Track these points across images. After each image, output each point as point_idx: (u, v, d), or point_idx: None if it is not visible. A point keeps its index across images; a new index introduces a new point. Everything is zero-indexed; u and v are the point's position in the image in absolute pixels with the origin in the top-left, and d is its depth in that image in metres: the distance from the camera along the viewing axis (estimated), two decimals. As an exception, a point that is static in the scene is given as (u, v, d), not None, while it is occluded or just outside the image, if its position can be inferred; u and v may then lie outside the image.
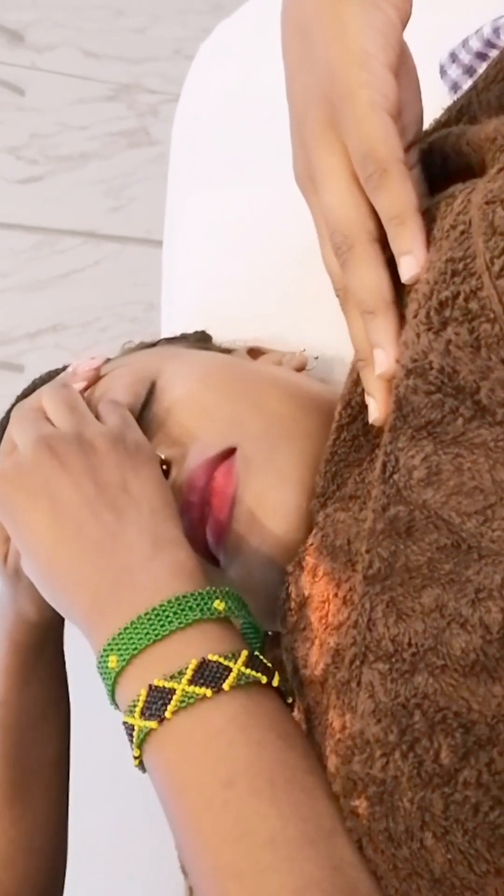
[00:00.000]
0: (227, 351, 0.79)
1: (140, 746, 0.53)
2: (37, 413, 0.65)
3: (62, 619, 0.73)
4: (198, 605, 0.54)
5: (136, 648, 0.53)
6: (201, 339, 0.83)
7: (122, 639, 0.53)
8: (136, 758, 0.54)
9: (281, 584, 0.62)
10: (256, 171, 0.92)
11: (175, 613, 0.53)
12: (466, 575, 0.51)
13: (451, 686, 0.51)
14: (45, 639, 0.73)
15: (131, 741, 0.53)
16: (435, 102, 0.70)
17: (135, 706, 0.53)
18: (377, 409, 0.57)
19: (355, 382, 0.60)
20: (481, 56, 0.78)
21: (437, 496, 0.52)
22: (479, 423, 0.51)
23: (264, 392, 0.67)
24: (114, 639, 0.54)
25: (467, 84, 0.77)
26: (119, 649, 0.54)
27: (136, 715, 0.52)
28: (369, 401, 0.58)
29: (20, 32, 1.69)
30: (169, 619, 0.53)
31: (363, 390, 0.59)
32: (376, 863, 0.53)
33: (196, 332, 0.84)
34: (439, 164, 0.63)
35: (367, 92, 0.57)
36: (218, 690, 0.52)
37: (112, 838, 1.58)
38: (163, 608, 0.53)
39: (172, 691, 0.52)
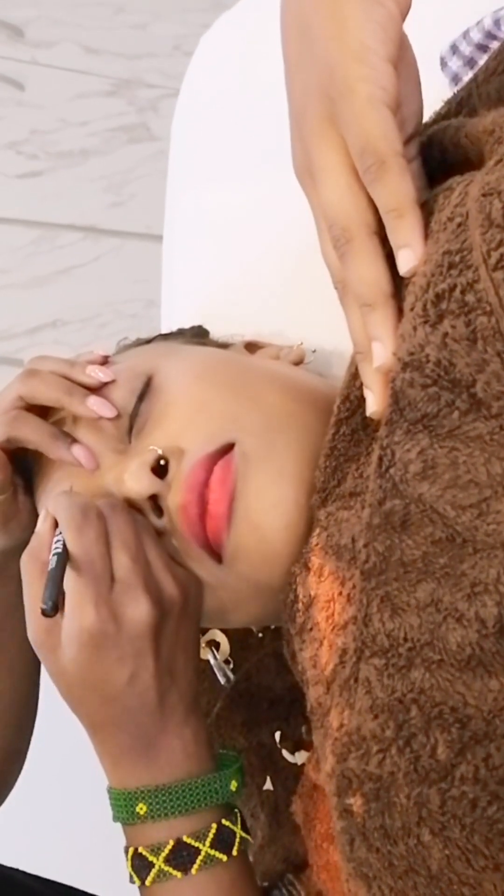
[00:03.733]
0: (224, 346, 0.78)
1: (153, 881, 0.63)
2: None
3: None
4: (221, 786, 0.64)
5: (168, 813, 0.63)
6: (198, 335, 0.82)
7: (158, 797, 0.63)
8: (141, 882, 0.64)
9: (285, 583, 0.62)
10: (255, 165, 0.91)
11: (205, 793, 0.63)
12: (461, 569, 0.51)
13: (448, 681, 0.51)
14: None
15: (143, 870, 0.63)
16: (435, 95, 0.69)
17: (160, 850, 0.63)
18: (375, 402, 0.57)
19: (354, 376, 0.60)
20: (482, 48, 0.78)
21: (433, 490, 0.52)
22: (474, 417, 0.51)
23: (262, 387, 0.67)
24: (148, 791, 0.63)
25: (468, 76, 0.76)
26: (151, 804, 0.63)
27: (161, 859, 0.63)
28: (367, 394, 0.58)
29: (20, 28, 1.69)
30: (198, 796, 0.63)
31: (362, 384, 0.59)
32: (370, 862, 0.53)
33: (192, 328, 0.83)
34: (438, 156, 0.63)
35: (365, 86, 0.57)
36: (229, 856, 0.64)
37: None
38: (194, 785, 0.63)
39: (198, 851, 0.63)
